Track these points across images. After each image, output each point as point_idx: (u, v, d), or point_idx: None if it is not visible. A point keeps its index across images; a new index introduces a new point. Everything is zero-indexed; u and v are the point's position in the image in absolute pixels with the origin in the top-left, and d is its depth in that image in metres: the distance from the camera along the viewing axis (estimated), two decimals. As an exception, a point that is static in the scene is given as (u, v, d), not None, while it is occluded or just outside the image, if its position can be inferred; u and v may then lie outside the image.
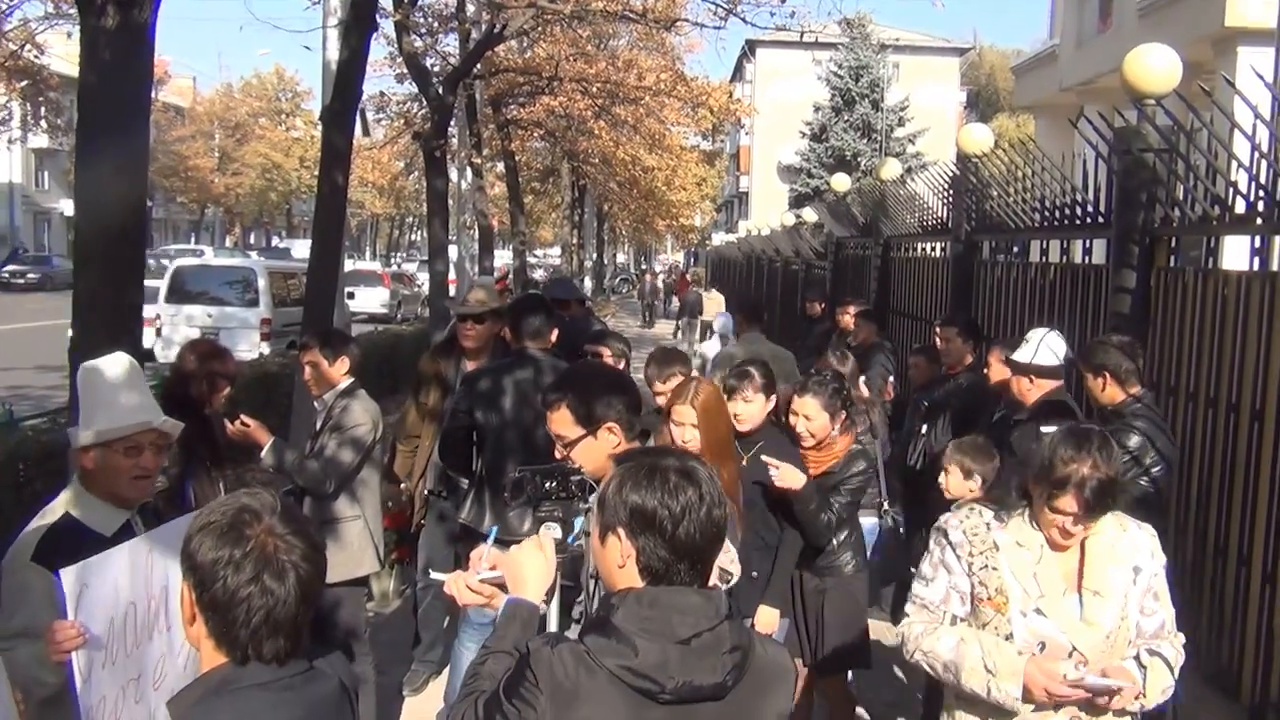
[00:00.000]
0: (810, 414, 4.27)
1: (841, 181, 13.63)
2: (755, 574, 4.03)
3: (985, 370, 5.65)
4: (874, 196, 11.41)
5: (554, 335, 5.00)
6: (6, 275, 39.24)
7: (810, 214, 16.49)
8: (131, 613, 2.39)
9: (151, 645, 2.45)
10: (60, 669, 2.28)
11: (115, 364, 2.77)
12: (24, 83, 41.92)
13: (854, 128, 48.84)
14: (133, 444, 2.69)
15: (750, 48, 55.31)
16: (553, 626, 2.31)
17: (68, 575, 2.25)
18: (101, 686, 2.30)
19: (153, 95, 5.38)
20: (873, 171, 14.72)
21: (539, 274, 41.01)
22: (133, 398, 2.74)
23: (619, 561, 1.89)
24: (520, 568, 2.15)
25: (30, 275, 39.14)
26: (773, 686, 1.94)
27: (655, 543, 1.85)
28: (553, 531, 2.31)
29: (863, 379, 6.66)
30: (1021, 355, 4.80)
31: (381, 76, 21.50)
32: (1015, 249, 8.17)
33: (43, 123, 46.87)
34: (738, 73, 59.68)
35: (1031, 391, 4.78)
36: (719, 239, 47.88)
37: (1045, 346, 4.76)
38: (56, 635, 2.26)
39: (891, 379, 7.38)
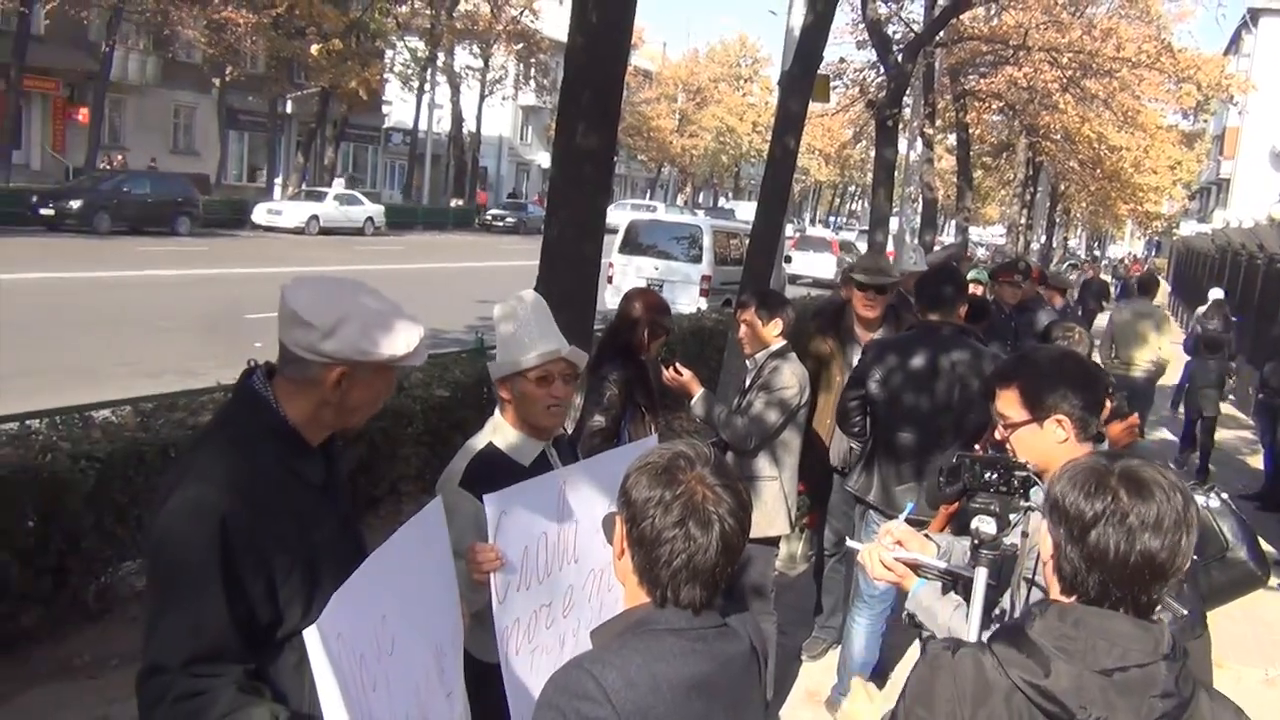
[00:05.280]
0: None
1: (1356, 172, 11.75)
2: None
3: None
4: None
5: (963, 309, 4.85)
6: (489, 218, 44.06)
7: (1309, 207, 14.42)
8: (543, 542, 2.51)
9: (561, 574, 2.57)
10: (482, 589, 2.44)
11: (524, 301, 2.89)
12: (520, 45, 46.94)
13: (1375, 111, 42.12)
14: (544, 374, 2.79)
15: (1253, 17, 49.32)
16: (974, 626, 2.17)
17: (490, 501, 2.40)
18: (515, 609, 2.45)
19: (628, 58, 5.70)
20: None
21: (980, 252, 39.45)
22: (542, 331, 2.84)
23: (1046, 556, 1.74)
24: None
25: (509, 219, 43.66)
26: None
27: (1066, 543, 1.67)
28: (986, 526, 2.16)
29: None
30: None
31: (841, 43, 21.61)
32: None
33: (531, 82, 52.22)
34: (1234, 46, 53.36)
35: None
36: (1188, 229, 43.40)
37: None
38: (477, 557, 2.42)
39: None
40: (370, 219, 35.58)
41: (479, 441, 2.88)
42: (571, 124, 5.57)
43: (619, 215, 21.49)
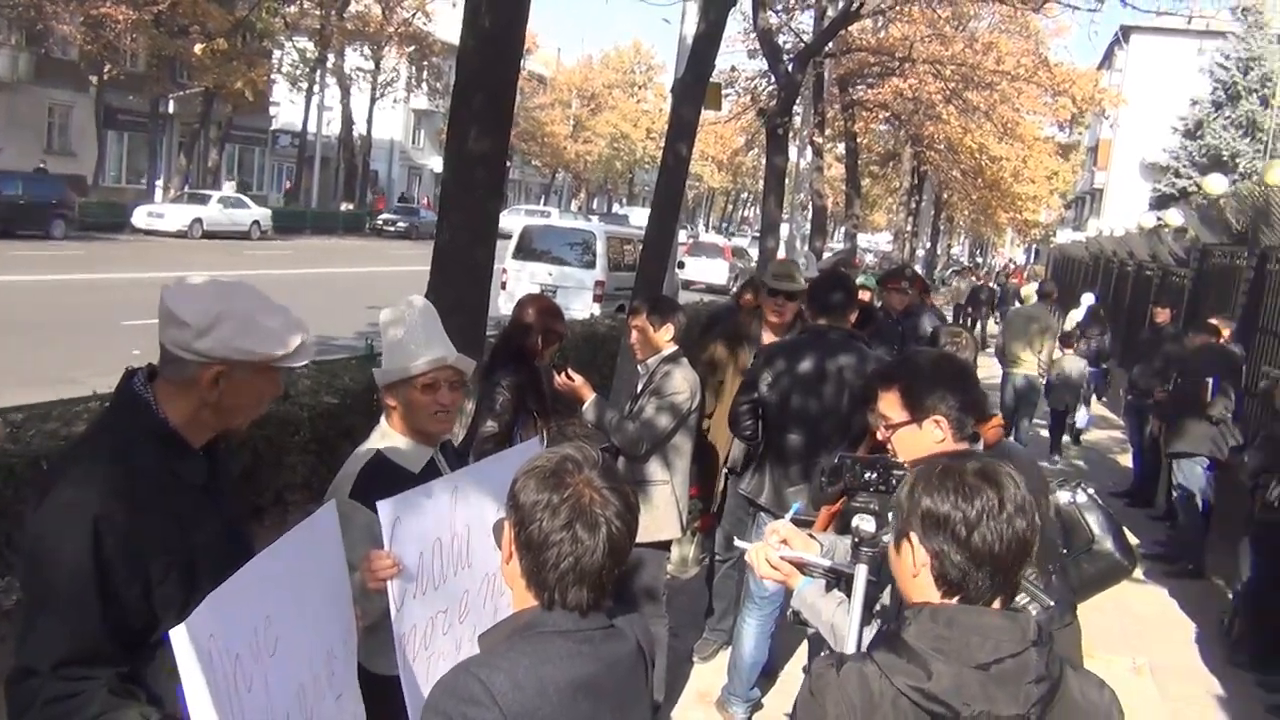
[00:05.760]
0: None
1: (1216, 183, 12.42)
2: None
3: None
4: (1254, 201, 10.27)
5: (853, 315, 4.97)
6: (381, 223, 43.39)
7: (1174, 217, 15.16)
8: (438, 547, 2.51)
9: (456, 580, 2.56)
10: (378, 598, 2.42)
11: (412, 307, 2.88)
12: (412, 48, 46.39)
13: (1235, 125, 44.37)
14: (431, 381, 2.78)
15: (1124, 34, 51.54)
16: (855, 622, 2.23)
17: (384, 507, 2.38)
18: (412, 615, 2.44)
19: (521, 63, 5.69)
20: (1253, 174, 13.28)
21: (869, 258, 40.32)
22: (429, 338, 2.83)
23: (913, 570, 1.78)
24: None
25: (400, 224, 43.04)
26: None
27: (949, 549, 1.73)
28: (865, 524, 2.22)
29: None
30: None
31: (733, 52, 21.89)
32: None
33: (424, 85, 51.63)
34: (1107, 61, 55.66)
35: None
36: (1064, 237, 45.04)
37: None
38: (373, 564, 2.40)
39: None
40: (257, 222, 34.70)
41: (367, 449, 2.85)
42: (464, 127, 5.54)
43: (513, 220, 21.42)
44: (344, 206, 46.46)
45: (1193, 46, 43.86)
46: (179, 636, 1.66)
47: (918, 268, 32.12)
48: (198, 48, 33.43)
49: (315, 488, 5.68)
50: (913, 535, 1.77)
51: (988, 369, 12.93)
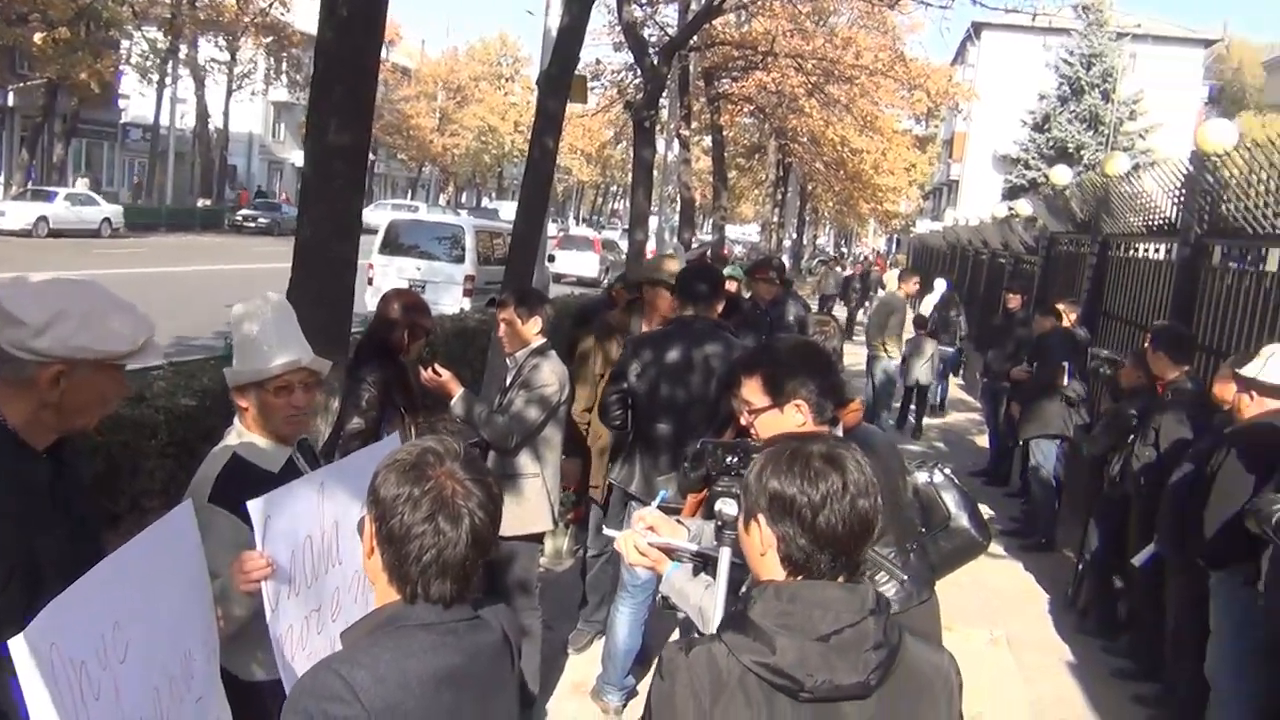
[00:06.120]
0: None
1: (1061, 174, 12.98)
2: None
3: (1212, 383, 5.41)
4: (1096, 191, 10.81)
5: (720, 305, 5.02)
6: (240, 219, 42.03)
7: (1024, 206, 15.79)
8: (309, 546, 2.47)
9: (328, 578, 2.53)
10: (248, 601, 2.37)
11: (265, 306, 2.80)
12: (269, 39, 45.03)
13: (1080, 119, 46.52)
14: (283, 383, 2.71)
15: (976, 30, 53.46)
16: (719, 604, 2.27)
17: (254, 507, 2.33)
18: (288, 616, 2.40)
19: (383, 54, 5.59)
20: (1096, 166, 13.95)
21: (737, 250, 40.95)
22: (283, 338, 2.75)
23: (760, 549, 1.82)
24: None
25: (261, 220, 41.77)
26: (927, 692, 1.82)
27: (795, 532, 1.77)
28: (728, 507, 2.27)
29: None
30: (1249, 370, 4.56)
31: (599, 44, 21.88)
32: (1250, 256, 7.58)
33: (283, 77, 50.18)
34: (960, 56, 57.68)
35: (1250, 408, 4.62)
36: (923, 226, 46.57)
37: (1275, 363, 4.48)
38: (246, 565, 2.34)
39: None
40: (107, 220, 33.16)
41: (224, 451, 2.76)
42: (323, 120, 5.42)
43: (379, 215, 21.04)
44: (201, 203, 44.84)
45: (1039, 43, 45.80)
46: (17, 647, 1.60)
47: (785, 258, 32.79)
48: (38, 37, 31.76)
49: (174, 493, 5.48)
50: (760, 517, 1.81)
51: (856, 356, 13.32)
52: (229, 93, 46.51)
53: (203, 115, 45.07)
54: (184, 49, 42.18)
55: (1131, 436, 6.05)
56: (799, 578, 1.79)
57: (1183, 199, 8.13)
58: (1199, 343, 6.98)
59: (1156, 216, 9.05)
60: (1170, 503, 5.19)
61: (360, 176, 5.76)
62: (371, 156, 48.42)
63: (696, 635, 2.24)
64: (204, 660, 2.16)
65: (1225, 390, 5.00)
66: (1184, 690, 5.21)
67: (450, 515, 1.74)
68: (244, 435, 2.79)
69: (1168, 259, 8.68)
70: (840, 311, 24.91)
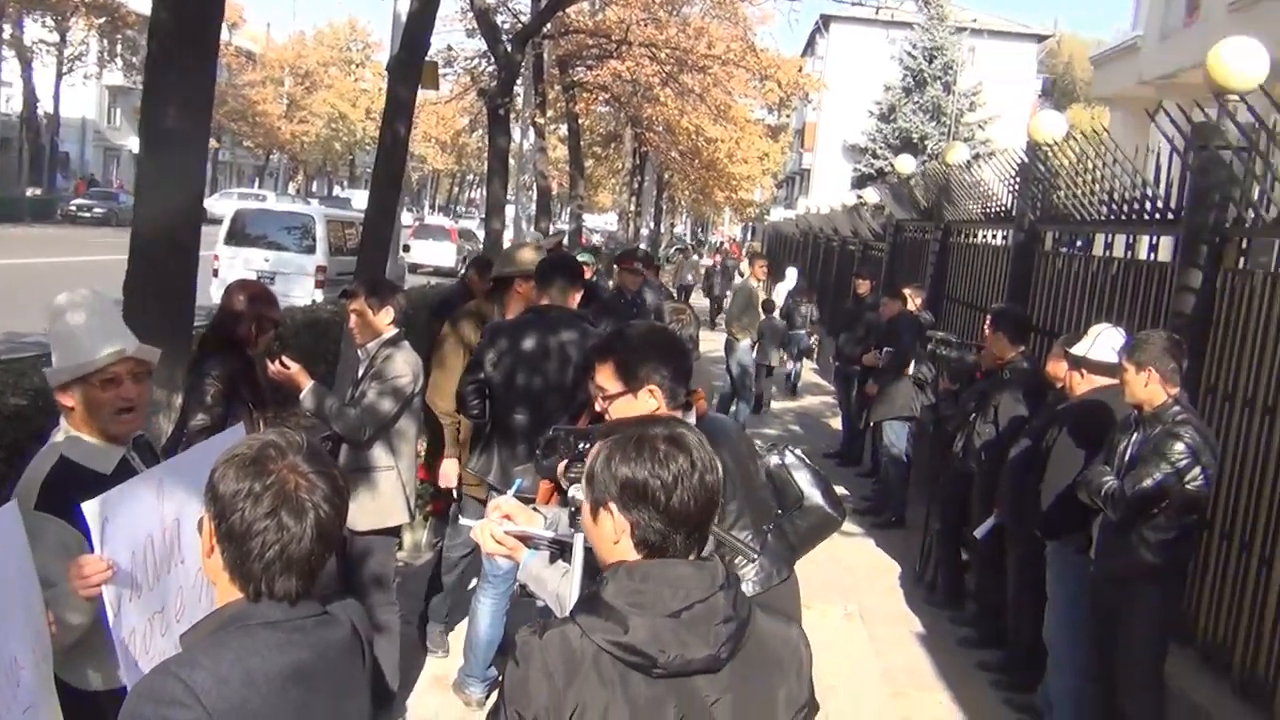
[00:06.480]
0: None
1: (906, 163, 13.41)
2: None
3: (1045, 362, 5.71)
4: (938, 180, 11.22)
5: (578, 295, 5.03)
6: (74, 209, 39.90)
7: (872, 195, 16.28)
8: (150, 546, 2.38)
9: (170, 578, 2.44)
10: (87, 607, 2.26)
11: (82, 297, 2.66)
12: (102, 20, 42.83)
13: (923, 110, 48.15)
14: (109, 376, 2.58)
15: (824, 23, 54.68)
16: (575, 589, 2.28)
17: (90, 509, 2.23)
18: (130, 619, 2.31)
19: (225, 38, 5.37)
20: (939, 155, 14.48)
21: (595, 238, 41.01)
22: (103, 328, 2.62)
23: (613, 537, 1.83)
24: None
25: (97, 210, 39.72)
26: (777, 664, 1.87)
27: (650, 515, 1.79)
28: (581, 494, 2.27)
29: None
30: (1079, 349, 4.82)
31: (451, 31, 21.57)
32: (1079, 241, 7.99)
33: (118, 60, 47.82)
34: (809, 48, 58.99)
35: (1080, 385, 4.88)
36: (778, 215, 47.49)
37: (1103, 342, 4.76)
38: (85, 570, 2.23)
39: None
40: (-75, 211, 31.15)
41: (50, 452, 2.62)
42: (160, 105, 5.18)
43: (226, 205, 20.26)
44: (30, 192, 42.40)
45: (885, 36, 47.20)
46: None
47: (643, 246, 33.00)
48: None
49: (4, 497, 5.20)
50: (611, 505, 1.82)
51: (714, 342, 13.54)
52: (59, 76, 44.04)
53: (30, 100, 42.60)
54: (7, 29, 39.77)
55: (973, 415, 6.32)
56: (654, 559, 1.81)
57: (1018, 187, 8.52)
58: (1034, 324, 7.34)
59: (994, 204, 9.46)
60: (1009, 477, 5.44)
61: (200, 164, 5.54)
62: (215, 144, 46.59)
63: (552, 620, 2.25)
64: (33, 667, 2.06)
65: (1058, 368, 5.27)
66: (1023, 655, 5.49)
67: (294, 510, 1.69)
68: (71, 437, 2.64)
69: (1004, 244, 9.08)
70: (701, 300, 25.27)
